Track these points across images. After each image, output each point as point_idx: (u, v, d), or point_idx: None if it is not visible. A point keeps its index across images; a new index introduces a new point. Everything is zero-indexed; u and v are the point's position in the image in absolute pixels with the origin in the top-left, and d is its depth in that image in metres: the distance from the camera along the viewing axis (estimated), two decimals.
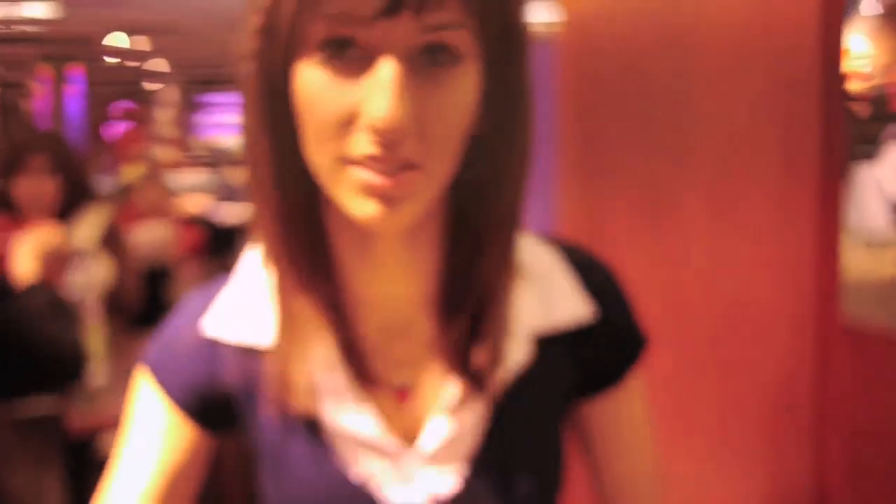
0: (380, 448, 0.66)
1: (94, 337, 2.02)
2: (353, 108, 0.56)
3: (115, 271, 2.42)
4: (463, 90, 0.58)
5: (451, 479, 0.66)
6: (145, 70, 17.73)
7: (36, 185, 2.33)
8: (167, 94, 19.14)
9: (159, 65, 16.78)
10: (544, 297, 0.69)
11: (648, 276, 1.32)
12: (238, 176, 9.30)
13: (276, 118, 0.59)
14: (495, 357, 0.65)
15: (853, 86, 0.99)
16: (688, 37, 1.26)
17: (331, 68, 0.56)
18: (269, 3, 0.57)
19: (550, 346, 0.70)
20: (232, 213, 5.96)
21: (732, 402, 1.18)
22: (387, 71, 0.54)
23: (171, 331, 0.72)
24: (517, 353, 0.67)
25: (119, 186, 5.63)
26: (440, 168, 0.58)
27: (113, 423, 1.87)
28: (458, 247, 0.65)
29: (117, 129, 16.78)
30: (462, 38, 0.56)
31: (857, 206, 1.10)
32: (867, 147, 1.02)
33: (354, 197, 0.57)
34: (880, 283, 0.99)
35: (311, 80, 0.56)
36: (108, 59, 15.15)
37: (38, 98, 15.36)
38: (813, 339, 1.03)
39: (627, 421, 0.77)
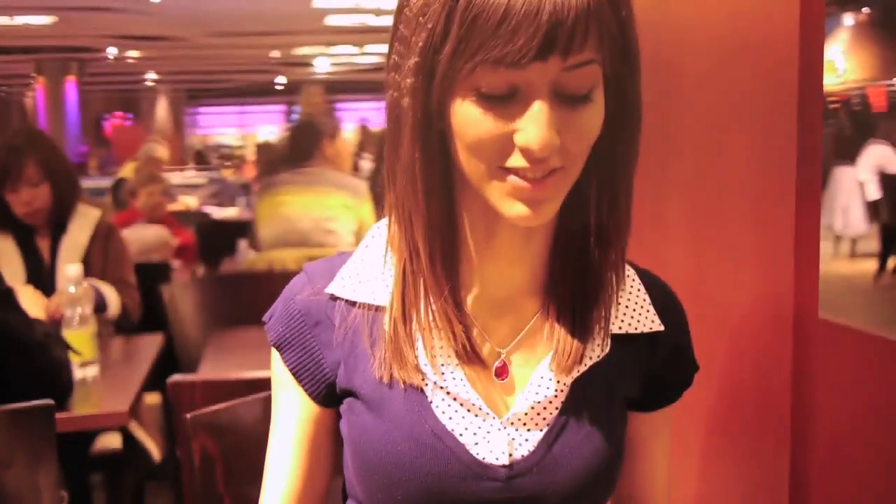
0: (472, 409, 0.76)
1: (86, 336, 2.03)
2: (508, 133, 0.67)
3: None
4: (595, 113, 0.69)
5: (528, 445, 0.76)
6: (140, 76, 17.72)
7: (29, 194, 2.35)
8: (162, 98, 19.12)
9: (153, 71, 16.77)
10: (623, 303, 0.81)
11: None
12: (231, 175, 9.28)
13: (427, 138, 0.70)
14: (586, 344, 0.77)
15: (832, 95, 1.01)
16: (671, 49, 1.28)
17: (486, 103, 0.66)
18: (424, 45, 0.66)
19: (624, 346, 0.80)
20: (225, 212, 5.97)
21: (712, 403, 1.21)
22: (538, 108, 0.65)
23: (294, 302, 0.81)
24: (599, 345, 0.78)
25: (114, 186, 5.64)
26: (576, 170, 0.71)
27: (104, 420, 1.89)
28: (569, 241, 0.76)
29: (113, 131, 16.75)
30: (594, 72, 0.67)
31: (838, 208, 1.12)
32: (847, 153, 1.05)
33: (506, 199, 0.69)
34: (857, 285, 1.01)
35: (468, 112, 0.67)
36: (106, 64, 15.15)
37: (37, 103, 15.38)
38: (792, 339, 1.06)
39: (663, 440, 0.89)
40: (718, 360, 1.19)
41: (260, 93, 20.96)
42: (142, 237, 3.49)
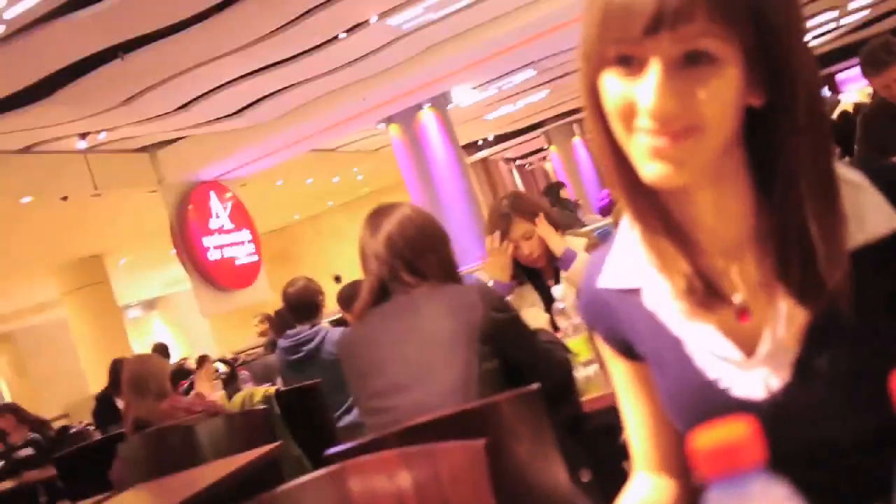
0: (725, 356, 0.83)
1: (580, 341, 2.37)
2: (633, 99, 0.76)
3: None
4: (724, 81, 0.74)
5: (781, 377, 0.81)
6: None
7: (525, 247, 2.87)
8: None
9: None
10: (855, 213, 0.79)
11: None
12: None
13: (601, 118, 0.80)
14: (818, 280, 0.77)
15: None
16: None
17: (620, 73, 0.77)
18: (583, 33, 0.80)
19: (864, 258, 0.78)
20: None
21: None
22: (651, 73, 0.74)
23: (585, 293, 0.96)
24: (836, 268, 0.77)
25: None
26: (715, 135, 0.75)
27: (597, 402, 2.19)
28: (768, 191, 0.80)
29: None
30: (714, 44, 0.73)
31: None
32: None
33: (643, 159, 0.77)
34: None
35: (610, 83, 0.78)
36: None
37: (553, 167, 17.03)
38: None
39: None
40: None
41: None
42: None
